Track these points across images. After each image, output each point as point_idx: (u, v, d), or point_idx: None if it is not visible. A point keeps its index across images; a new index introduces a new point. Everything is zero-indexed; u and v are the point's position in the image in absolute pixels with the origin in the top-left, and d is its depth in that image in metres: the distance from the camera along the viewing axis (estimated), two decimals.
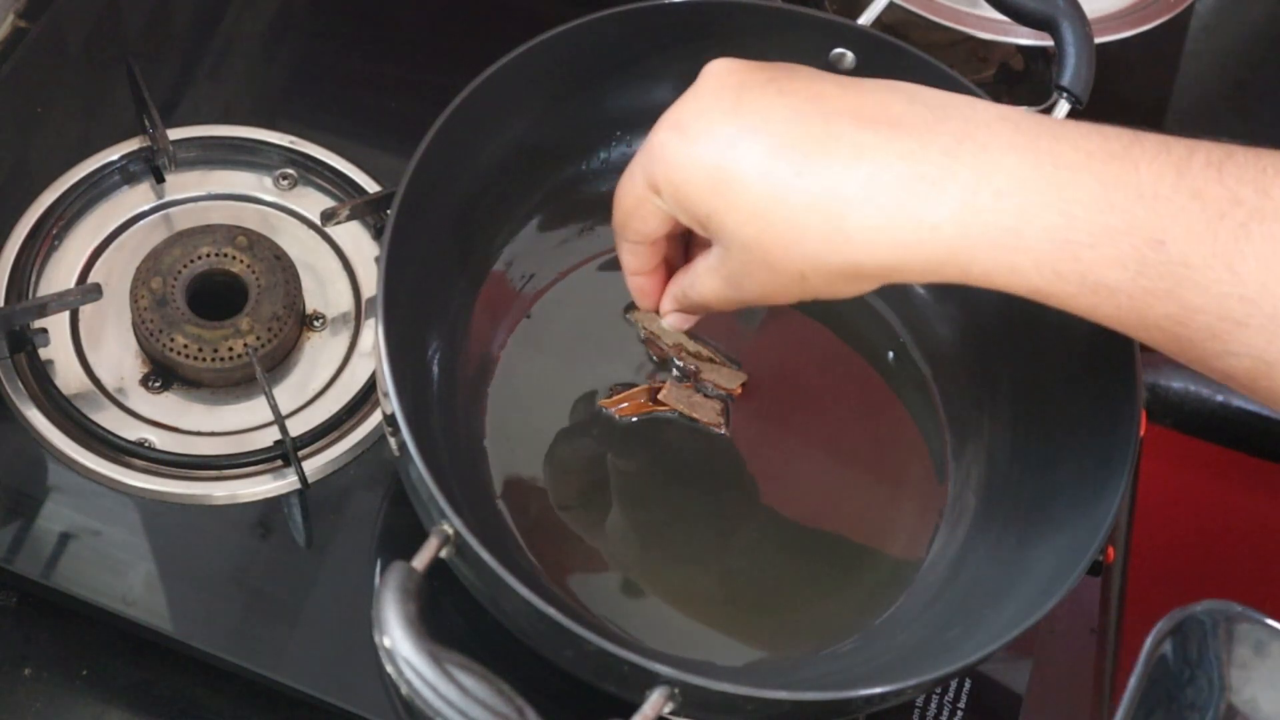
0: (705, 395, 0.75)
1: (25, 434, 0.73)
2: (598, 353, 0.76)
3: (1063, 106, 0.71)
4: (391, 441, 0.62)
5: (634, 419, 0.74)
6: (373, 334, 0.71)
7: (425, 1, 0.93)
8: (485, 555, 0.57)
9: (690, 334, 0.76)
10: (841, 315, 0.78)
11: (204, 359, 0.74)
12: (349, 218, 0.76)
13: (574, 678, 0.61)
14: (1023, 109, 0.57)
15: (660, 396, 0.74)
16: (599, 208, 0.78)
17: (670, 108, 0.60)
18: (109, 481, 0.72)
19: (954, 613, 0.68)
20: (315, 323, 0.78)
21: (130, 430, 0.73)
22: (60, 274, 0.78)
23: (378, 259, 0.67)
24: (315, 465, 0.73)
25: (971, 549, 0.71)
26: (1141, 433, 0.67)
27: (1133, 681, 0.57)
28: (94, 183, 0.81)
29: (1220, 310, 0.52)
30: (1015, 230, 0.53)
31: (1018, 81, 0.91)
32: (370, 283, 0.79)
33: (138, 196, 0.81)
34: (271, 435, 0.73)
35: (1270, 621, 0.58)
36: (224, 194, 0.82)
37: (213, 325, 0.74)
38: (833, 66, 0.74)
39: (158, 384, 0.75)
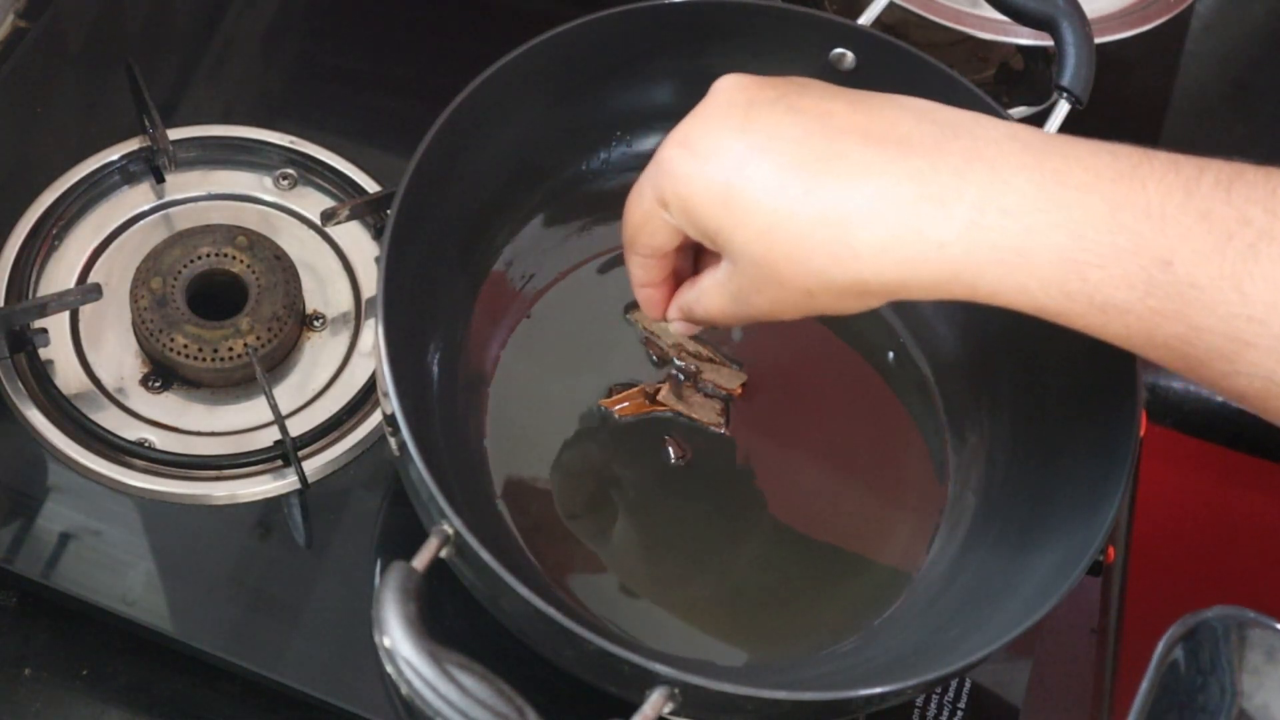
0: (705, 395, 0.75)
1: (25, 434, 0.73)
2: (598, 353, 0.76)
3: (1063, 106, 0.71)
4: (391, 441, 0.62)
5: (634, 419, 0.74)
6: (373, 334, 0.71)
7: (425, 1, 0.93)
8: (485, 555, 0.57)
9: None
10: (841, 315, 0.78)
11: (204, 359, 0.74)
12: (349, 218, 0.76)
13: (574, 678, 0.61)
14: (1032, 127, 0.57)
15: (660, 396, 0.74)
16: (599, 207, 0.78)
17: (680, 124, 0.60)
18: (109, 481, 0.72)
19: (954, 613, 0.68)
20: (315, 323, 0.78)
21: (130, 430, 0.73)
22: (60, 274, 0.78)
23: (378, 259, 0.68)
24: (315, 465, 0.73)
25: (971, 549, 0.71)
26: (1141, 433, 0.67)
27: (1144, 687, 0.57)
28: (94, 183, 0.81)
29: (1228, 331, 0.52)
30: (1023, 250, 0.53)
31: (1018, 81, 0.91)
32: (370, 283, 0.79)
33: (138, 196, 0.81)
34: (271, 435, 0.73)
35: (1272, 622, 0.58)
36: (224, 194, 0.82)
37: (213, 325, 0.74)
38: (833, 66, 0.75)
39: (158, 384, 0.75)
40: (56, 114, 0.84)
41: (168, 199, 0.81)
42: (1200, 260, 0.51)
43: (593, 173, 0.78)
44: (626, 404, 0.74)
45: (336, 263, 0.80)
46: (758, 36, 0.75)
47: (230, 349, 0.74)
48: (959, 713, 0.70)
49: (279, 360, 0.76)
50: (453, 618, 0.67)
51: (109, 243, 0.80)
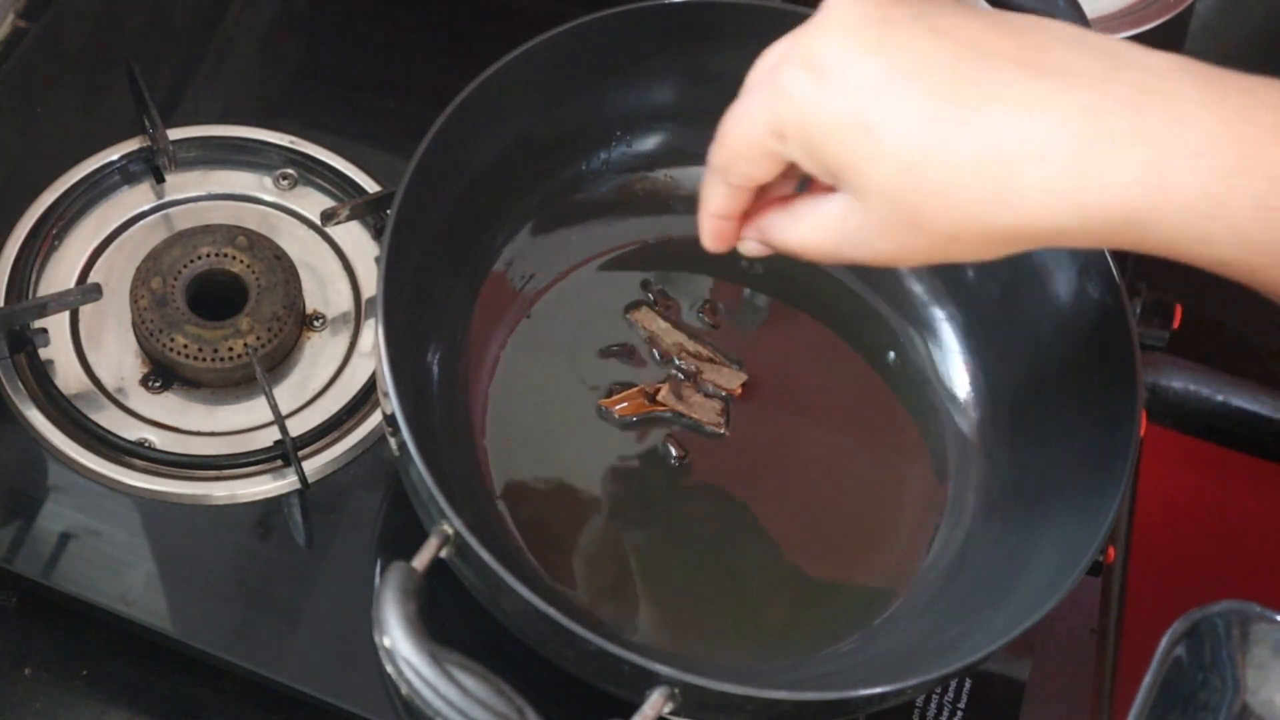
0: (705, 395, 0.75)
1: (25, 434, 0.73)
2: (598, 353, 0.76)
3: None
4: (391, 441, 0.62)
5: (634, 419, 0.74)
6: (373, 334, 0.71)
7: (425, 1, 0.93)
8: (485, 555, 0.57)
9: (690, 334, 0.76)
10: (841, 315, 0.78)
11: (204, 359, 0.74)
12: (349, 218, 0.76)
13: (574, 678, 0.61)
14: (1191, 59, 0.51)
15: (660, 397, 0.74)
16: (599, 207, 0.78)
17: (794, 39, 0.53)
18: (109, 481, 0.72)
19: (954, 613, 0.68)
20: (315, 323, 0.78)
21: (130, 430, 0.73)
22: (60, 274, 0.78)
23: (378, 259, 0.68)
24: (315, 465, 0.73)
25: (971, 549, 0.71)
26: (1141, 433, 0.67)
27: (1146, 682, 0.57)
28: (94, 183, 0.81)
29: None
30: (1213, 196, 0.48)
31: None
32: (370, 283, 0.79)
33: (138, 196, 0.81)
34: (271, 435, 0.73)
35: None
36: (224, 194, 0.82)
37: (213, 325, 0.74)
38: None
39: (158, 384, 0.75)
40: (56, 114, 0.84)
41: (168, 199, 0.81)
42: None
43: (593, 173, 0.78)
44: (626, 404, 0.74)
45: (336, 263, 0.80)
46: (758, 36, 0.74)
47: (230, 349, 0.74)
48: (959, 713, 0.70)
49: (279, 360, 0.76)
50: (453, 618, 0.67)
51: (109, 243, 0.80)
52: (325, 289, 0.79)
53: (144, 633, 0.69)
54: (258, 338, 0.74)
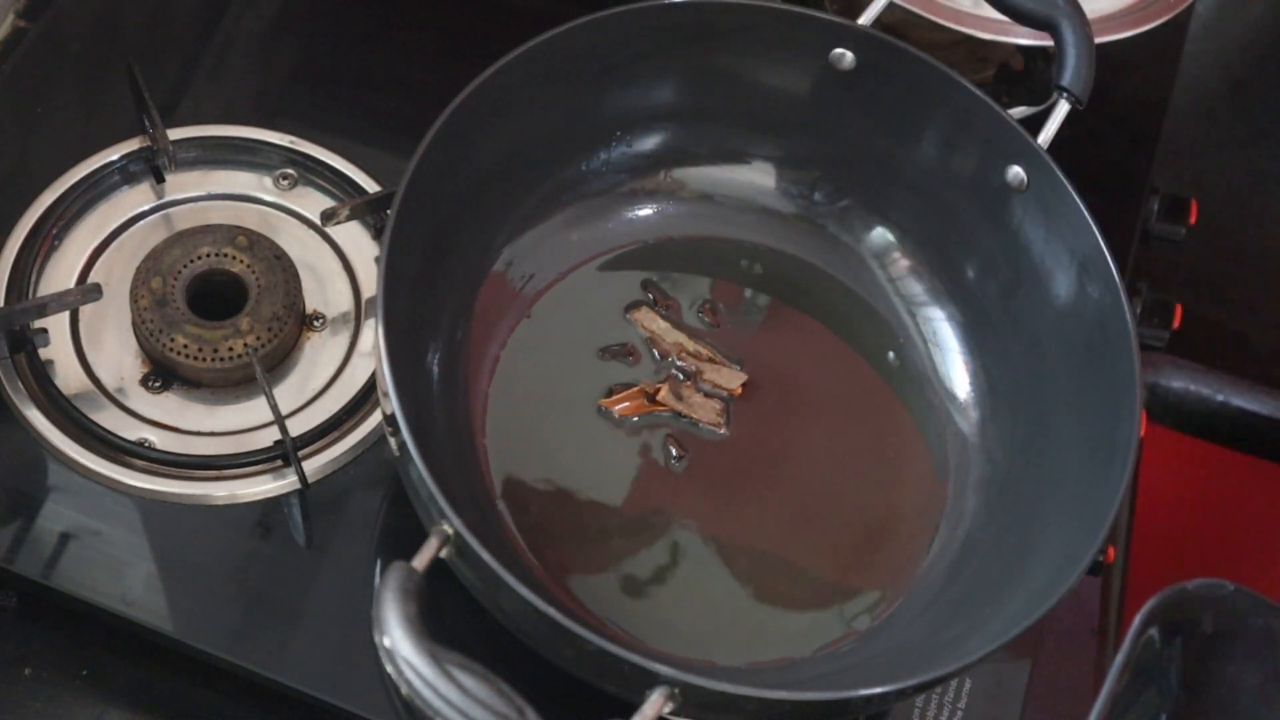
0: (705, 395, 0.75)
1: (25, 434, 0.73)
2: (598, 353, 0.76)
3: (1062, 106, 0.72)
4: (391, 441, 0.62)
5: (634, 419, 0.74)
6: (373, 334, 0.71)
7: (425, 1, 0.93)
8: (485, 555, 0.57)
9: (690, 334, 0.76)
10: (841, 315, 0.78)
11: (204, 359, 0.74)
12: (349, 218, 0.76)
13: (574, 678, 0.61)
14: None
15: (660, 397, 0.74)
16: (599, 207, 0.78)
17: None
18: (109, 481, 0.72)
19: (954, 613, 0.68)
20: (315, 323, 0.78)
21: (130, 430, 0.73)
22: (60, 274, 0.78)
23: (378, 259, 0.67)
24: (315, 465, 0.73)
25: (971, 549, 0.71)
26: (1141, 433, 0.67)
27: (1119, 659, 0.57)
28: (94, 183, 0.81)
29: None
30: None
31: (1018, 81, 0.91)
32: (370, 283, 0.79)
33: (138, 196, 0.81)
34: (271, 435, 0.73)
35: (1261, 598, 0.57)
36: (224, 194, 0.82)
37: (213, 325, 0.74)
38: (833, 66, 0.75)
39: (158, 384, 0.75)
40: (56, 114, 0.84)
41: (168, 199, 0.81)
42: None
43: (593, 173, 0.78)
44: (626, 404, 0.74)
45: (336, 263, 0.80)
46: (758, 36, 0.75)
47: (230, 349, 0.74)
48: (959, 713, 0.70)
49: (279, 360, 0.76)
50: (453, 618, 0.67)
51: (109, 243, 0.80)
52: (325, 289, 0.79)
53: (144, 633, 0.69)
54: (258, 338, 0.74)
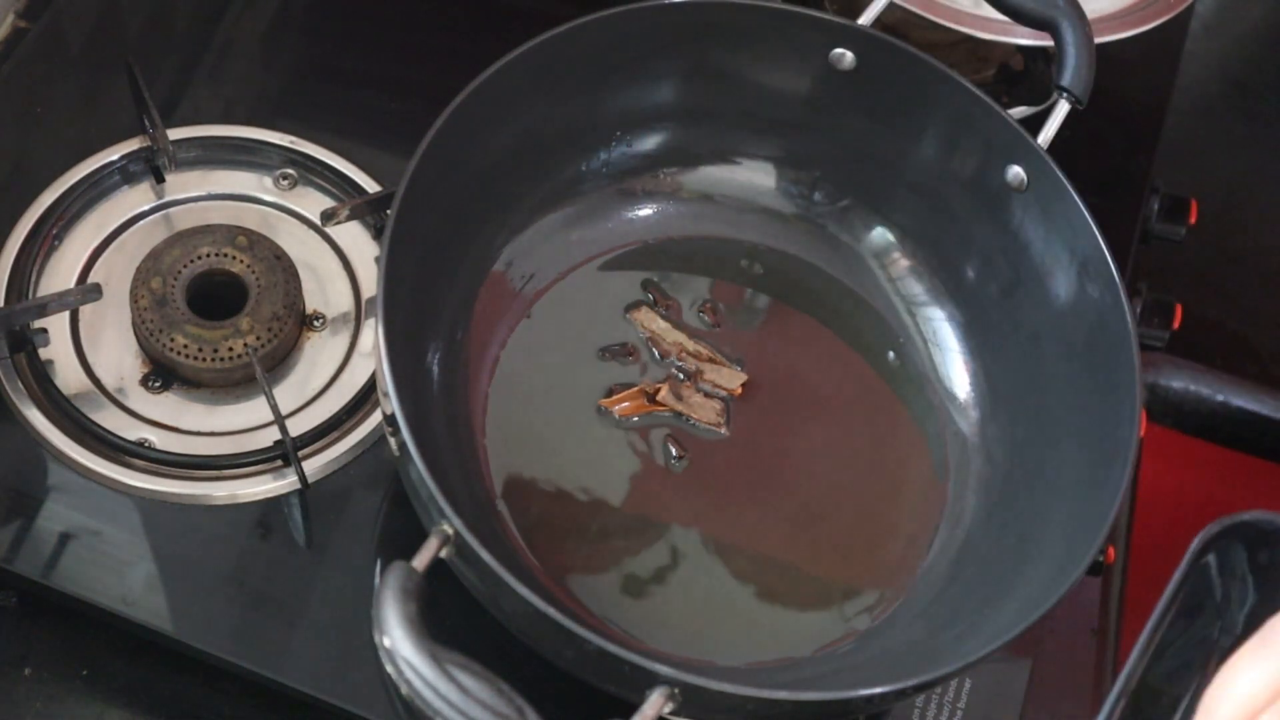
0: (705, 395, 0.75)
1: (25, 434, 0.73)
2: (598, 353, 0.76)
3: (1062, 106, 0.72)
4: (391, 441, 0.62)
5: (634, 419, 0.74)
6: (373, 334, 0.71)
7: (425, 1, 0.93)
8: (485, 555, 0.57)
9: (690, 334, 0.76)
10: (841, 315, 0.78)
11: (204, 359, 0.74)
12: (349, 218, 0.76)
13: (574, 678, 0.61)
14: None
15: (660, 397, 0.74)
16: (599, 207, 0.78)
17: None
18: (109, 481, 0.72)
19: (954, 613, 0.68)
20: (315, 323, 0.78)
21: (130, 430, 0.73)
22: (60, 274, 0.78)
23: (378, 259, 0.68)
24: (315, 465, 0.73)
25: (971, 549, 0.71)
26: (1141, 433, 0.67)
27: (1171, 585, 0.56)
28: (94, 183, 0.81)
29: None
30: None
31: (1018, 81, 0.91)
32: (370, 283, 0.79)
33: (138, 196, 0.81)
34: (271, 435, 0.73)
35: None
36: (224, 194, 0.82)
37: (213, 325, 0.74)
38: (833, 66, 0.75)
39: (158, 384, 0.75)
40: (56, 114, 0.84)
41: (168, 199, 0.81)
42: None
43: (593, 173, 0.78)
44: (626, 404, 0.74)
45: (336, 263, 0.80)
46: (758, 36, 0.75)
47: (230, 349, 0.74)
48: (959, 713, 0.70)
49: (279, 360, 0.76)
50: (453, 618, 0.67)
51: (109, 243, 0.80)
52: (325, 289, 0.79)
53: (144, 633, 0.69)
54: (258, 338, 0.74)
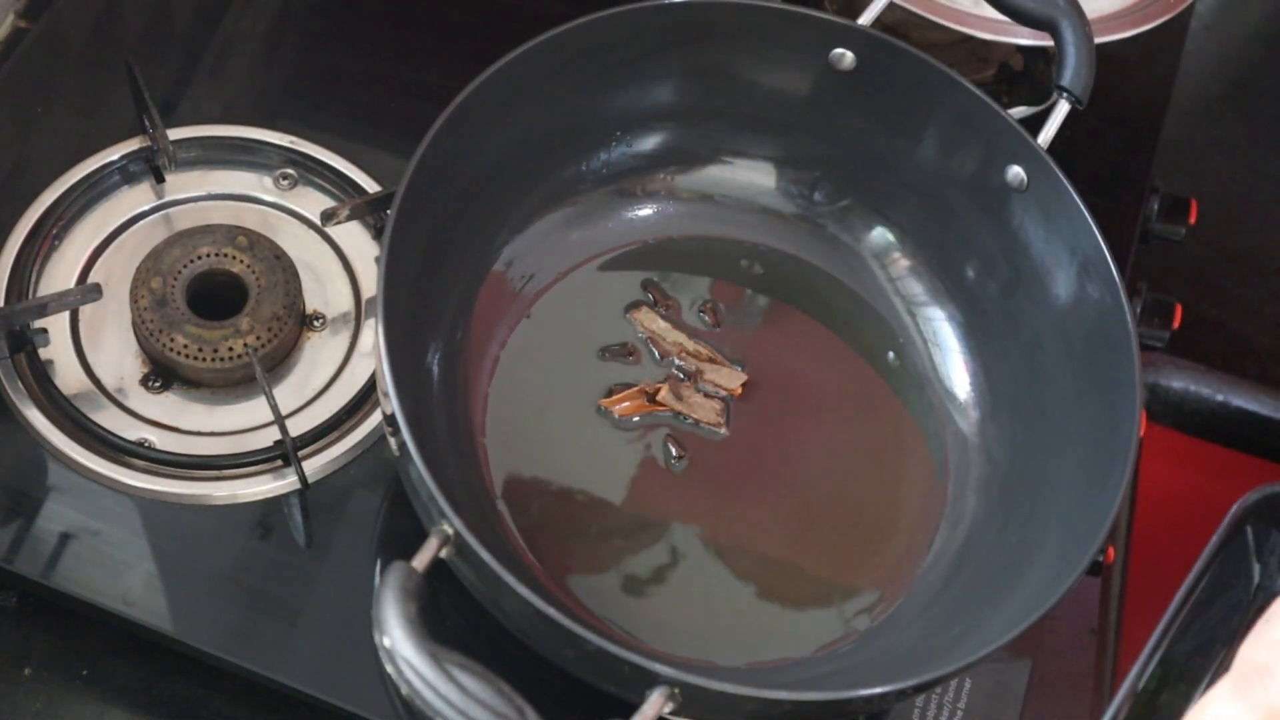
0: (705, 395, 0.75)
1: (25, 434, 0.73)
2: (598, 353, 0.76)
3: (1062, 106, 0.72)
4: (391, 441, 0.62)
5: (634, 419, 0.74)
6: (373, 334, 0.71)
7: (425, 1, 0.93)
8: (485, 555, 0.57)
9: (690, 334, 0.76)
10: (841, 315, 0.78)
11: (204, 359, 0.74)
12: (349, 218, 0.76)
13: (574, 678, 0.61)
14: None
15: (660, 397, 0.74)
16: (599, 207, 0.78)
17: None
18: (109, 481, 0.72)
19: (954, 613, 0.68)
20: (315, 323, 0.78)
21: (130, 430, 0.73)
22: (60, 274, 0.78)
23: (378, 259, 0.68)
24: (315, 465, 0.73)
25: (971, 549, 0.71)
26: (1141, 433, 0.67)
27: (1206, 553, 0.56)
28: (94, 183, 0.81)
29: None
30: None
31: (1018, 81, 0.91)
32: (370, 283, 0.79)
33: (138, 196, 0.81)
34: (271, 435, 0.73)
35: None
36: (224, 194, 0.82)
37: (213, 325, 0.74)
38: (833, 66, 0.75)
39: (158, 384, 0.75)
40: (56, 114, 0.84)
41: (168, 199, 0.81)
42: None
43: (593, 173, 0.78)
44: (626, 404, 0.74)
45: (336, 263, 0.80)
46: (758, 36, 0.75)
47: (230, 349, 0.74)
48: (959, 713, 0.70)
49: (279, 360, 0.76)
50: (453, 618, 0.67)
51: (109, 243, 0.80)
52: (325, 289, 0.79)
53: (144, 633, 0.69)
54: (258, 338, 0.74)
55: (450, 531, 0.57)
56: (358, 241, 0.81)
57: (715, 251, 0.80)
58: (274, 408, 0.71)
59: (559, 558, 0.69)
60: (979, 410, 0.75)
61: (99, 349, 0.76)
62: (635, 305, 0.77)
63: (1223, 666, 0.51)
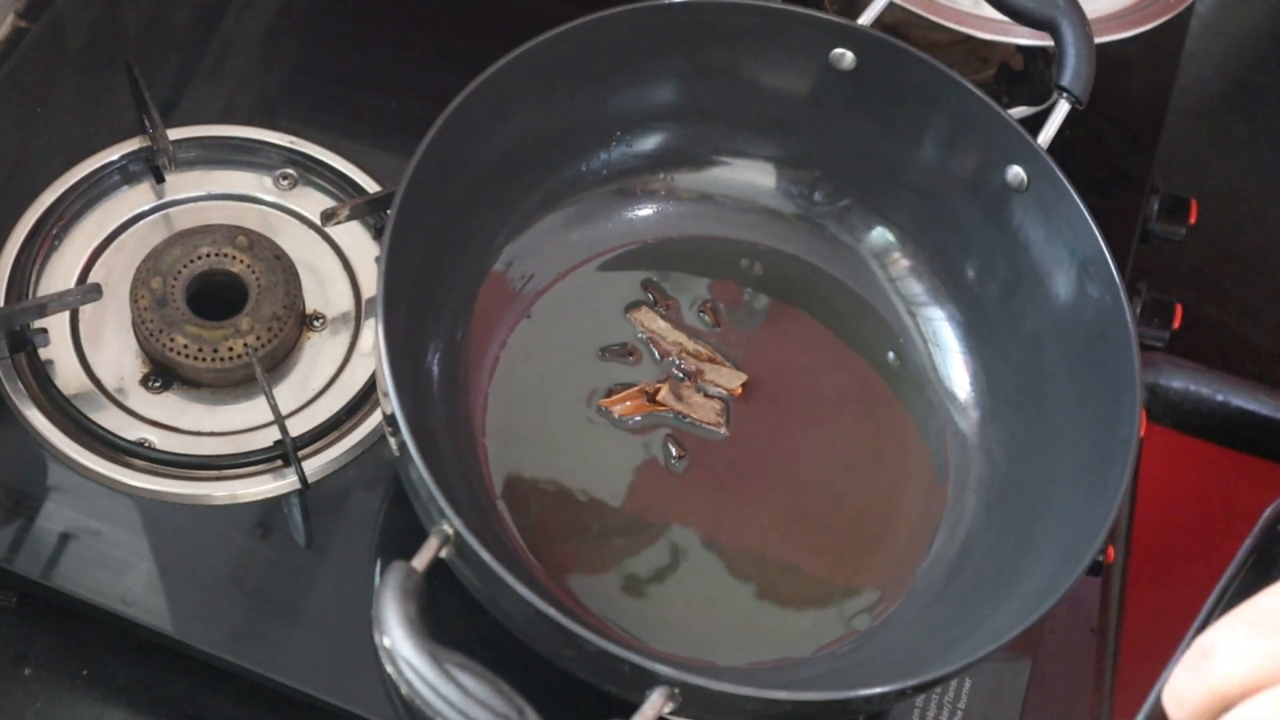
0: (705, 395, 0.75)
1: (25, 434, 0.73)
2: (598, 353, 0.76)
3: (1062, 107, 0.72)
4: (391, 441, 0.62)
5: (634, 419, 0.74)
6: (373, 334, 0.71)
7: (425, 1, 0.93)
8: (485, 555, 0.57)
9: (690, 334, 0.76)
10: (841, 315, 0.78)
11: (204, 359, 0.74)
12: (349, 218, 0.76)
13: (574, 678, 0.61)
14: None
15: (660, 397, 0.74)
16: (599, 208, 0.78)
17: None
18: (109, 481, 0.72)
19: (954, 613, 0.68)
20: (315, 323, 0.78)
21: (130, 430, 0.73)
22: (60, 274, 0.78)
23: (378, 259, 0.68)
24: (315, 465, 0.73)
25: (971, 549, 0.71)
26: (1141, 433, 0.67)
27: (1243, 549, 0.56)
28: (94, 183, 0.81)
29: None
30: None
31: (1018, 81, 0.91)
32: (370, 283, 0.79)
33: (138, 196, 0.81)
34: (271, 435, 0.73)
35: None
36: (224, 194, 0.82)
37: (213, 325, 0.74)
38: (833, 66, 0.75)
39: (158, 384, 0.75)
40: (56, 114, 0.84)
41: (168, 199, 0.81)
42: None
43: (593, 173, 0.78)
44: (626, 404, 0.74)
45: (336, 263, 0.80)
46: (758, 36, 0.75)
47: (230, 349, 0.74)
48: (959, 713, 0.70)
49: (279, 360, 0.76)
50: (453, 618, 0.67)
51: (109, 243, 0.80)
52: (325, 289, 0.79)
53: (144, 633, 0.69)
54: (258, 338, 0.74)
55: (450, 531, 0.57)
56: (358, 241, 0.81)
57: (715, 251, 0.80)
58: (274, 408, 0.71)
59: (559, 558, 0.69)
60: (979, 410, 0.75)
61: (99, 349, 0.76)
62: (635, 305, 0.77)
63: None
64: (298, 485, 0.72)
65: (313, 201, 0.82)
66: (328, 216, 0.75)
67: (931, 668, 0.60)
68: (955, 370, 0.77)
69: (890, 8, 0.75)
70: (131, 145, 0.82)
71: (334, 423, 0.74)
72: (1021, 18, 0.73)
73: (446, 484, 0.59)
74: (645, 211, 0.79)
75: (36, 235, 0.78)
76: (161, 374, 0.75)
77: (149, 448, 0.73)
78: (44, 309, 0.73)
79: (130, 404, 0.74)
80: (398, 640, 0.53)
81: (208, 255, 0.76)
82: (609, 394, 0.74)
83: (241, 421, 0.74)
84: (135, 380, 0.75)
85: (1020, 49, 0.90)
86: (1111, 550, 0.83)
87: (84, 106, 0.85)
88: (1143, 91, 0.95)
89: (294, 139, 0.83)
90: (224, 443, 0.74)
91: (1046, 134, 0.71)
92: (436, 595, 0.56)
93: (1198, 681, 0.45)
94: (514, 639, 0.62)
